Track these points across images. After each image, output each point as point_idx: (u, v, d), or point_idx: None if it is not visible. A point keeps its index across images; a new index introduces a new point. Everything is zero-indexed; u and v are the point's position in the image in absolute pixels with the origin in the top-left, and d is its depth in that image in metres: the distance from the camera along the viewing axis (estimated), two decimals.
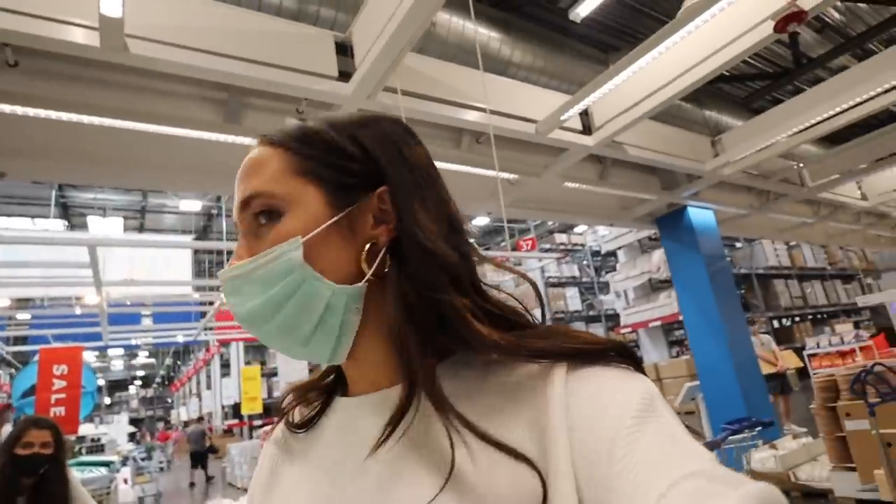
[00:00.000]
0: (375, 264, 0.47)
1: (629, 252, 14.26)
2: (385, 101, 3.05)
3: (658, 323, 13.83)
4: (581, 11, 3.69)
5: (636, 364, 0.44)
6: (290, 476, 0.54)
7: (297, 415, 0.58)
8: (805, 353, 7.71)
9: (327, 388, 0.57)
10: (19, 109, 2.64)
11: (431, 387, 0.44)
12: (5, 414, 5.19)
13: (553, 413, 0.41)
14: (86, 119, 2.77)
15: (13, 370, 21.31)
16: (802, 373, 11.75)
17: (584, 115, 4.14)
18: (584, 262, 19.94)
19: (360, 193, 0.49)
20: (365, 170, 0.49)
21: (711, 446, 2.28)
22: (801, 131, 4.79)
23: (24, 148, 3.09)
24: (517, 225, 18.67)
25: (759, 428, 2.73)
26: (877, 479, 3.57)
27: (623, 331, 15.78)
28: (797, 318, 17.61)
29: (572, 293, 18.71)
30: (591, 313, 19.12)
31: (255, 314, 0.46)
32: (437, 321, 0.46)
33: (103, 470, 6.89)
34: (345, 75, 2.99)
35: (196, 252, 11.79)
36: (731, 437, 2.39)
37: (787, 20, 2.73)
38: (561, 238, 18.74)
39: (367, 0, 2.88)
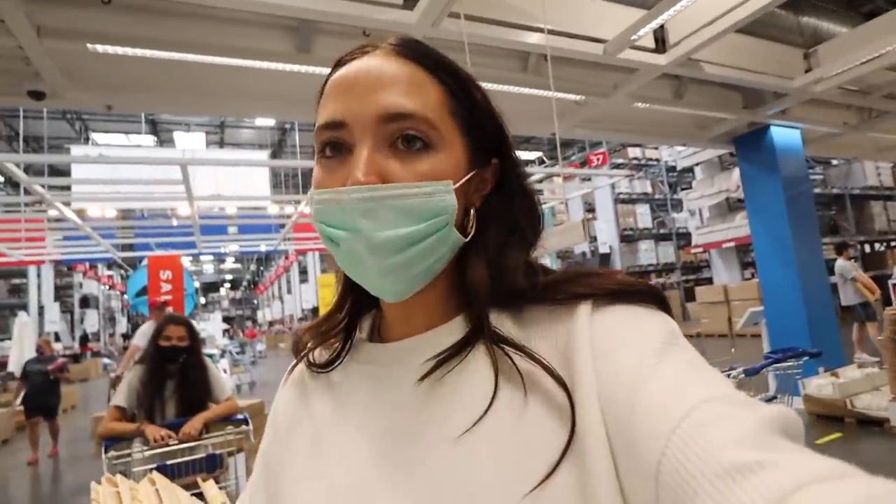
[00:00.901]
0: (474, 226, 0.50)
1: (707, 169, 13.51)
2: (449, 27, 3.07)
3: (732, 244, 13.31)
4: None
5: (662, 305, 0.45)
6: (320, 423, 0.53)
7: (317, 355, 0.58)
8: (890, 282, 7.30)
9: (345, 329, 0.57)
10: (119, 49, 2.92)
11: (485, 320, 0.47)
12: (163, 310, 6.04)
13: (578, 346, 0.42)
14: (176, 56, 3.02)
15: (123, 272, 24.03)
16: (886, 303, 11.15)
17: (659, 31, 3.91)
18: (658, 178, 19.11)
19: (485, 157, 0.51)
20: (492, 134, 0.51)
21: (752, 373, 2.39)
22: None
23: (124, 83, 3.43)
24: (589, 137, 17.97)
25: (806, 358, 2.76)
26: None
27: (694, 250, 15.35)
28: (893, 244, 16.31)
29: (643, 210, 18.16)
30: (661, 231, 18.60)
31: (391, 244, 0.44)
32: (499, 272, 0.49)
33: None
34: (410, 2, 3.01)
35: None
36: (776, 366, 2.47)
37: None
38: (634, 152, 17.92)
39: None
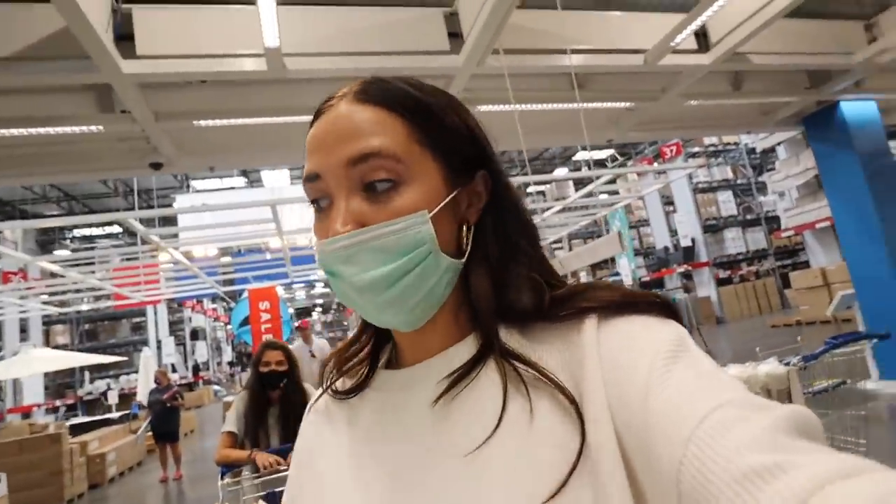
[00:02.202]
0: (469, 243, 0.50)
1: (791, 147, 12.72)
2: (493, 64, 3.38)
3: (827, 224, 12.44)
4: None
5: (670, 313, 0.45)
6: (341, 450, 0.54)
7: (340, 384, 0.59)
8: None
9: (366, 358, 0.58)
10: (217, 122, 3.51)
11: (494, 337, 0.48)
12: (306, 330, 6.71)
13: (586, 360, 0.43)
14: (262, 120, 3.56)
15: (225, 304, 26.19)
16: None
17: (699, 33, 3.99)
18: (740, 163, 18.18)
19: (467, 174, 0.51)
20: (471, 151, 0.51)
21: (810, 359, 2.43)
22: None
23: (223, 147, 4.04)
24: None
25: (875, 340, 2.73)
26: None
27: (784, 234, 14.46)
28: None
29: (725, 197, 17.36)
30: (748, 217, 17.66)
31: (375, 284, 0.45)
32: (503, 287, 0.50)
33: None
34: (455, 47, 3.36)
35: None
36: (834, 352, 2.47)
37: None
38: (710, 139, 17.19)
39: None
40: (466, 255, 0.50)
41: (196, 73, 3.02)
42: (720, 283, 16.10)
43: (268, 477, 2.43)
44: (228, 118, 3.51)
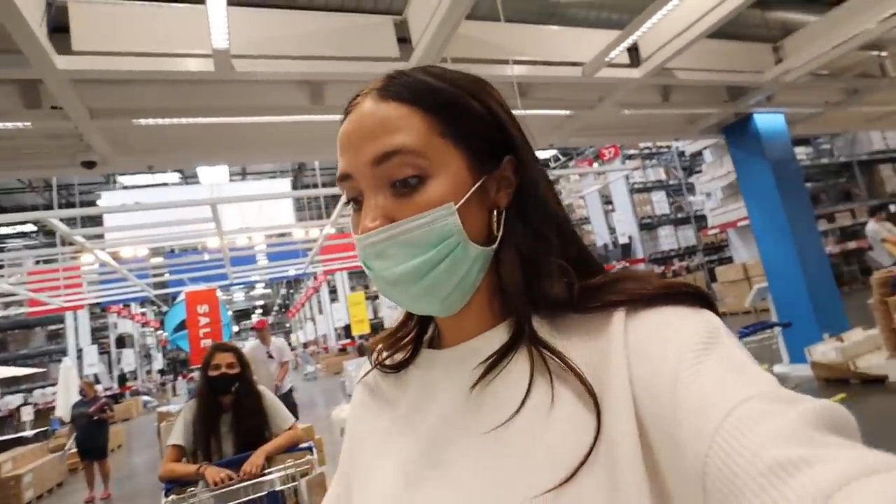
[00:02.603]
0: (500, 228, 0.50)
1: (715, 151, 13.65)
2: None
3: (746, 222, 13.43)
4: None
5: (705, 303, 0.45)
6: (383, 420, 0.58)
7: (388, 360, 0.61)
8: None
9: (414, 337, 0.60)
10: (158, 120, 3.42)
11: (527, 323, 0.49)
12: (264, 330, 6.18)
13: (612, 354, 0.43)
14: (205, 120, 3.50)
15: (156, 308, 24.88)
16: None
17: (632, 48, 4.27)
18: (671, 164, 19.27)
19: (495, 160, 0.51)
20: (497, 136, 0.51)
21: None
22: (886, 19, 4.43)
23: (162, 146, 3.93)
24: None
25: (780, 328, 3.07)
26: None
27: (711, 231, 15.48)
28: None
29: (659, 197, 18.32)
30: (679, 216, 18.73)
31: (406, 277, 0.47)
32: (535, 274, 0.50)
33: None
34: (405, 54, 3.44)
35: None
36: (747, 339, 2.78)
37: None
38: (651, 142, 18.10)
39: None
40: (498, 241, 0.50)
41: (137, 72, 2.93)
42: None
43: (220, 491, 2.26)
44: (171, 117, 3.42)
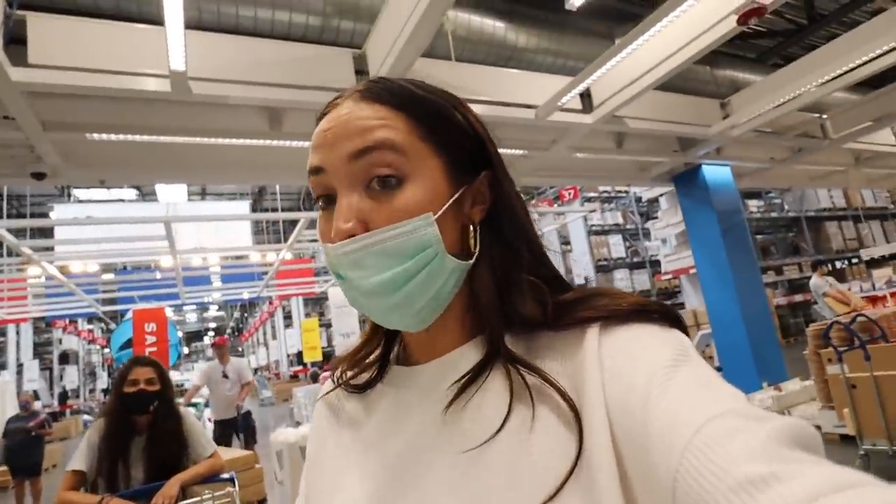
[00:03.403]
0: (478, 243, 0.50)
1: (670, 199, 14.07)
2: None
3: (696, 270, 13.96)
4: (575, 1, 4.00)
5: (675, 322, 0.45)
6: (346, 440, 0.56)
7: (353, 379, 0.60)
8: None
9: (379, 356, 0.59)
10: (112, 136, 3.40)
11: (500, 341, 0.48)
12: (223, 348, 5.97)
13: (587, 370, 0.43)
14: (160, 138, 3.50)
15: (104, 325, 23.92)
16: None
17: (584, 95, 4.50)
18: (629, 209, 19.92)
19: (472, 172, 0.50)
20: (475, 150, 0.51)
21: None
22: (824, 83, 4.72)
23: (115, 161, 3.89)
24: None
25: None
26: (845, 416, 4.03)
27: (664, 277, 15.95)
28: (854, 261, 17.15)
29: (616, 240, 18.84)
30: (635, 259, 19.24)
31: (382, 287, 0.46)
32: (507, 290, 0.49)
33: (192, 410, 8.19)
34: None
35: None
36: None
37: (748, 15, 3.03)
38: (604, 186, 18.71)
39: (379, 18, 3.37)
40: (475, 257, 0.49)
41: (93, 88, 2.94)
42: None
43: None
44: (125, 133, 3.41)
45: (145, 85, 3.02)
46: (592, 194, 18.72)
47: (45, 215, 13.13)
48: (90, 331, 23.23)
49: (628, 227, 19.44)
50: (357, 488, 0.51)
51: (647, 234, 18.92)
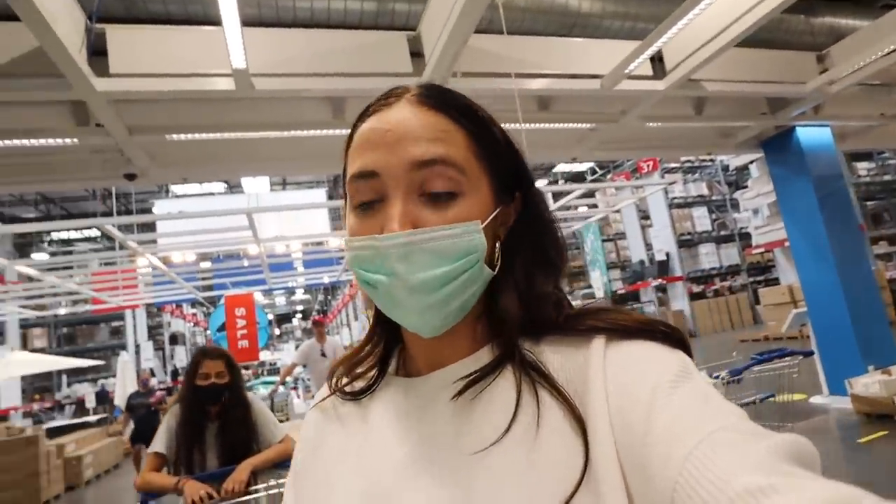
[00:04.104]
0: (500, 258, 0.51)
1: (762, 166, 13.01)
2: (455, 86, 3.53)
3: None
4: None
5: (678, 343, 0.45)
6: (341, 444, 0.56)
7: (348, 387, 0.59)
8: None
9: (376, 365, 0.59)
10: (190, 136, 3.62)
11: (516, 347, 0.49)
12: (322, 326, 6.29)
13: (591, 379, 0.43)
14: (235, 135, 3.68)
15: (205, 309, 26.01)
16: None
17: (656, 59, 4.20)
18: (715, 179, 18.64)
19: (509, 192, 0.53)
20: (515, 174, 0.53)
21: (736, 373, 2.59)
22: None
23: (196, 159, 4.15)
24: None
25: (800, 357, 2.91)
26: None
27: (756, 250, 14.83)
28: None
29: (700, 212, 17.78)
30: (722, 233, 18.09)
31: (427, 284, 0.46)
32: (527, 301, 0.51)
33: (281, 388, 8.72)
34: (418, 69, 3.52)
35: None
36: (755, 368, 2.65)
37: None
38: (684, 156, 17.60)
39: None
40: (497, 270, 0.50)
41: (168, 92, 3.13)
42: (693, 297, 16.43)
43: None
44: (200, 133, 3.62)
45: (215, 85, 3.18)
46: (674, 165, 17.69)
47: (148, 211, 14.37)
48: (194, 314, 25.32)
49: (714, 198, 18.25)
50: (354, 493, 0.51)
51: (735, 205, 17.68)
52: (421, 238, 0.46)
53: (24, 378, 15.18)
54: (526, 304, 0.51)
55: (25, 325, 17.30)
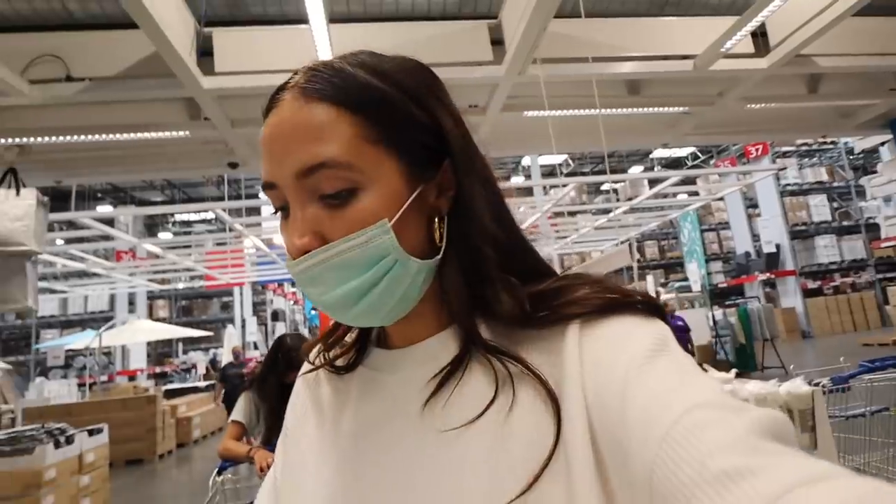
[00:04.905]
0: (444, 235, 0.48)
1: (895, 148, 11.61)
2: (535, 73, 3.51)
3: None
4: None
5: (656, 312, 0.45)
6: (321, 419, 0.56)
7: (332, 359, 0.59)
8: None
9: (358, 336, 0.58)
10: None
11: (475, 335, 0.47)
12: None
13: (566, 365, 0.43)
14: None
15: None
16: None
17: (758, 34, 3.88)
18: (837, 163, 16.78)
19: (433, 164, 0.48)
20: (434, 141, 0.47)
21: (839, 381, 2.36)
22: None
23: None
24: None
25: None
26: None
27: (885, 244, 13.21)
28: None
29: (818, 200, 16.09)
30: (844, 223, 16.28)
31: (344, 301, 0.45)
32: (479, 283, 0.48)
33: None
34: (499, 56, 3.52)
35: None
36: (863, 376, 2.38)
37: None
38: (796, 139, 15.98)
39: None
40: (441, 251, 0.48)
41: (263, 87, 3.39)
42: (808, 293, 14.98)
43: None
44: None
45: None
46: (788, 149, 16.13)
47: (255, 196, 15.55)
48: (294, 293, 27.05)
49: (836, 184, 16.43)
50: (332, 467, 0.51)
51: (861, 193, 15.81)
52: (323, 257, 0.44)
53: (148, 343, 17.13)
54: (474, 283, 0.47)
55: (151, 297, 19.41)
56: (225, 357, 13.86)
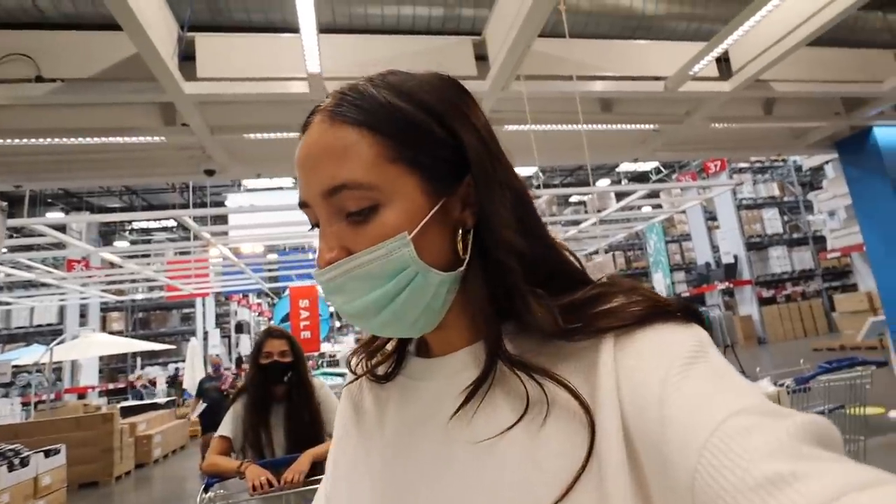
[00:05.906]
0: (469, 248, 0.49)
1: (838, 166, 12.30)
2: (518, 89, 3.62)
3: None
4: None
5: (694, 318, 0.44)
6: (366, 428, 0.58)
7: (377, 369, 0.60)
8: None
9: (397, 345, 0.59)
10: (266, 135, 3.89)
11: (499, 348, 0.47)
12: None
13: (601, 375, 0.42)
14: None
15: (269, 300, 27.18)
16: None
17: (722, 59, 4.12)
18: (787, 180, 17.70)
19: (456, 179, 0.49)
20: (455, 156, 0.49)
21: (801, 381, 2.52)
22: None
23: (268, 157, 4.44)
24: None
25: (873, 367, 2.78)
26: None
27: (831, 255, 14.00)
28: None
29: (771, 214, 16.95)
30: (794, 236, 17.18)
31: (366, 310, 0.47)
32: (506, 295, 0.48)
33: (339, 379, 9.04)
34: (482, 72, 3.63)
35: None
36: (820, 377, 2.55)
37: None
38: (753, 157, 16.80)
39: (498, 1, 3.41)
40: (466, 262, 0.48)
41: (247, 95, 3.39)
42: (763, 302, 15.70)
43: (259, 496, 2.07)
44: (276, 132, 3.89)
45: (290, 88, 3.41)
46: (743, 165, 16.92)
47: (222, 204, 15.20)
48: (259, 304, 26.43)
49: (787, 199, 17.33)
50: (377, 476, 0.53)
51: (809, 207, 16.74)
52: (346, 268, 0.46)
53: (101, 359, 16.34)
54: (500, 296, 0.48)
55: (105, 309, 18.60)
56: (187, 371, 13.37)
